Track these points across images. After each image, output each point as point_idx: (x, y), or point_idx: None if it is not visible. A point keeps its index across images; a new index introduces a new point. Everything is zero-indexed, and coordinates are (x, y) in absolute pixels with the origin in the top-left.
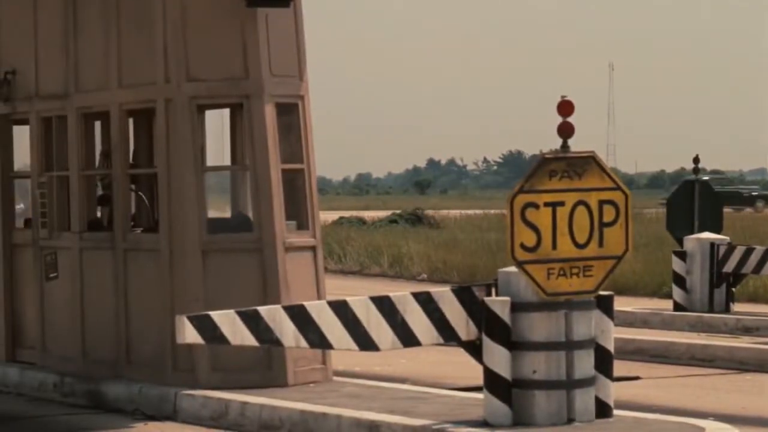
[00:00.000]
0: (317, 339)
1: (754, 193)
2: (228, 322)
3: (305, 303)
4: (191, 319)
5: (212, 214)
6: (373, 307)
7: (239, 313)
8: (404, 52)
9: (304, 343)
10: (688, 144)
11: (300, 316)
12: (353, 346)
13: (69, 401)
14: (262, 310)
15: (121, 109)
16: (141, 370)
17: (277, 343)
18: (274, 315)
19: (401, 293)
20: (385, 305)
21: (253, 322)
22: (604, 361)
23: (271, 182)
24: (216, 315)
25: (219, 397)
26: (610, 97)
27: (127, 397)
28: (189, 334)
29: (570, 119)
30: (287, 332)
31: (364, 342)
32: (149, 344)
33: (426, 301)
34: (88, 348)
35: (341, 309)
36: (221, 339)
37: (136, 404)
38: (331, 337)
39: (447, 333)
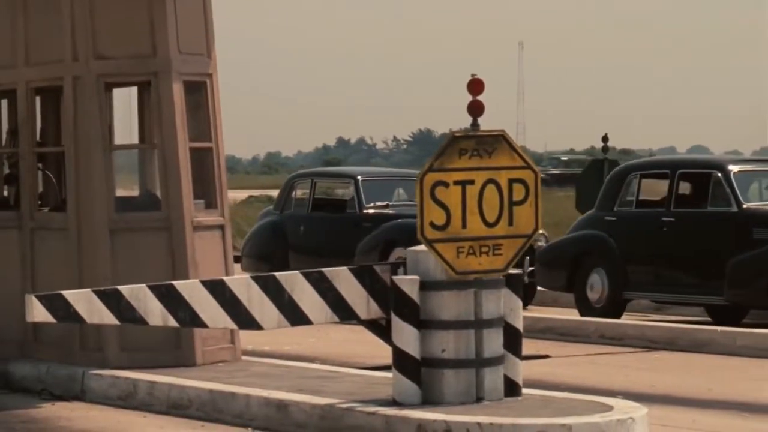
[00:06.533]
0: (189, 318)
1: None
2: (84, 300)
3: (175, 282)
4: (40, 298)
5: (120, 192)
6: (255, 286)
7: (96, 292)
8: (312, 29)
9: (173, 322)
10: (597, 123)
11: (169, 295)
12: (231, 324)
13: None
14: (124, 288)
15: (28, 87)
16: (49, 349)
17: (142, 321)
18: (137, 294)
19: (289, 272)
20: (269, 284)
21: (113, 300)
22: (512, 340)
23: (179, 161)
24: (70, 294)
25: (127, 376)
26: (519, 76)
27: (35, 377)
28: (38, 312)
29: (480, 98)
30: (153, 311)
31: (245, 321)
32: (58, 324)
33: (318, 280)
34: None
35: (217, 288)
36: (75, 318)
37: (43, 384)
38: (204, 316)
39: (343, 312)
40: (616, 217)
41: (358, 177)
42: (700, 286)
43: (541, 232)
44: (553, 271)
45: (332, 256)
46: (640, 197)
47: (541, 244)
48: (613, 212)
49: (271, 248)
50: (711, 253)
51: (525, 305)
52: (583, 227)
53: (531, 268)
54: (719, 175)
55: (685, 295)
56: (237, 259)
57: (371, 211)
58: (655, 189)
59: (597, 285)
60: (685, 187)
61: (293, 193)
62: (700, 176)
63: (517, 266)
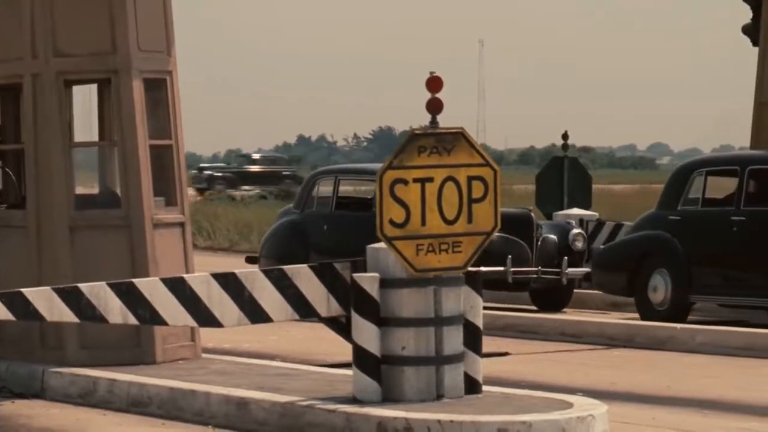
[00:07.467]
0: (149, 315)
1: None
2: (44, 298)
3: (135, 280)
4: (0, 296)
5: (80, 190)
6: (215, 283)
7: (56, 290)
8: (272, 27)
9: (133, 320)
10: (558, 121)
11: (129, 293)
12: (191, 322)
13: None
14: (84, 286)
15: None
16: (8, 347)
17: (102, 319)
18: (98, 291)
19: (250, 270)
20: (229, 282)
21: (73, 298)
22: (473, 337)
23: (139, 158)
24: (29, 291)
25: (87, 374)
26: (480, 73)
27: None
28: None
29: (439, 95)
30: (113, 309)
31: (205, 318)
32: (17, 321)
33: (279, 278)
34: None
35: (177, 285)
36: (35, 315)
37: (3, 382)
38: (164, 314)
39: (304, 310)
40: (680, 216)
41: None
42: None
43: (578, 231)
44: (612, 273)
45: (358, 256)
46: (707, 195)
47: (579, 244)
48: (677, 211)
49: (292, 249)
50: None
51: (561, 308)
52: (643, 227)
53: (569, 269)
54: None
55: (755, 298)
56: (254, 260)
57: None
58: (718, 186)
59: (660, 287)
60: (754, 184)
61: (314, 190)
62: None
63: (556, 267)
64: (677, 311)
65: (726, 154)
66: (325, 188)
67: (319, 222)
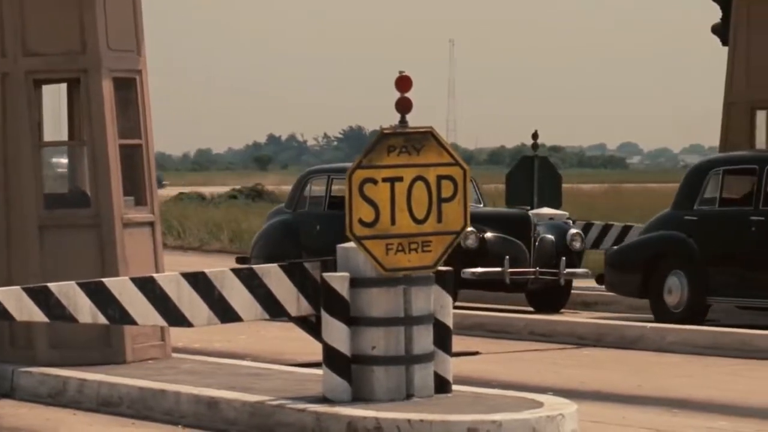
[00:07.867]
0: (118, 315)
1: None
2: (13, 297)
3: (105, 279)
4: None
5: (49, 189)
6: (185, 283)
7: (25, 289)
8: (241, 25)
9: (103, 319)
10: (528, 120)
11: (98, 293)
12: (161, 321)
13: None
14: (53, 286)
15: None
16: None
17: (71, 319)
18: (67, 291)
19: (219, 269)
20: (199, 281)
21: (42, 297)
22: (442, 337)
23: (109, 158)
24: None
25: (57, 374)
26: (450, 73)
27: None
28: None
29: (408, 95)
30: (82, 308)
31: (175, 318)
32: None
33: (249, 277)
34: None
35: (147, 285)
36: (4, 315)
37: None
38: (134, 313)
39: (274, 309)
40: (697, 216)
41: None
42: None
43: (576, 231)
44: (626, 274)
45: None
46: (724, 195)
47: (577, 244)
48: (693, 211)
49: (284, 249)
50: None
51: (559, 308)
52: (657, 227)
53: (567, 270)
54: None
55: None
56: (244, 260)
57: None
58: (734, 185)
59: (676, 289)
60: None
61: (306, 190)
62: None
63: (554, 267)
64: (693, 313)
65: (744, 152)
66: (317, 188)
67: (312, 222)
